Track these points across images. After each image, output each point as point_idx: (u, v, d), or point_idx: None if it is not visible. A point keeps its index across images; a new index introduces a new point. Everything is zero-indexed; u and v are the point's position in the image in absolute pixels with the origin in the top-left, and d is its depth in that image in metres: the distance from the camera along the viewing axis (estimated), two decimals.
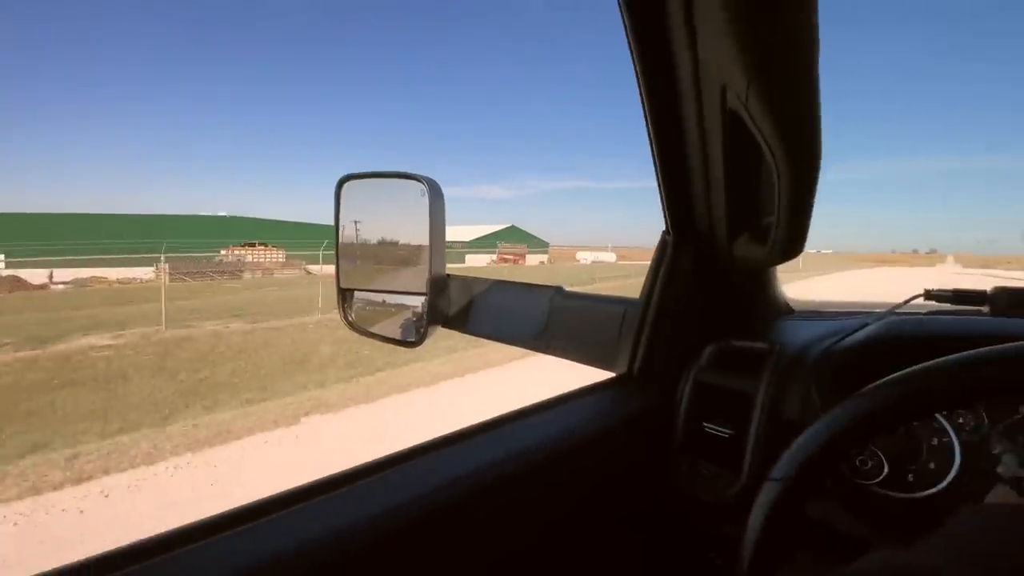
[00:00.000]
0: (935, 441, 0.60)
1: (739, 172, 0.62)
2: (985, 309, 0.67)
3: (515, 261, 35.61)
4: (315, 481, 0.47)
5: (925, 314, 0.75)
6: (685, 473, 0.71)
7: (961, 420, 0.60)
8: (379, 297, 1.05)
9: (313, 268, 22.63)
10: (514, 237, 49.71)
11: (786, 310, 0.94)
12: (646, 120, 0.62)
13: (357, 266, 1.03)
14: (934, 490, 0.59)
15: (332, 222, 0.95)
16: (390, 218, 1.03)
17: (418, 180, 0.84)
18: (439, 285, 0.91)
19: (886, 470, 0.61)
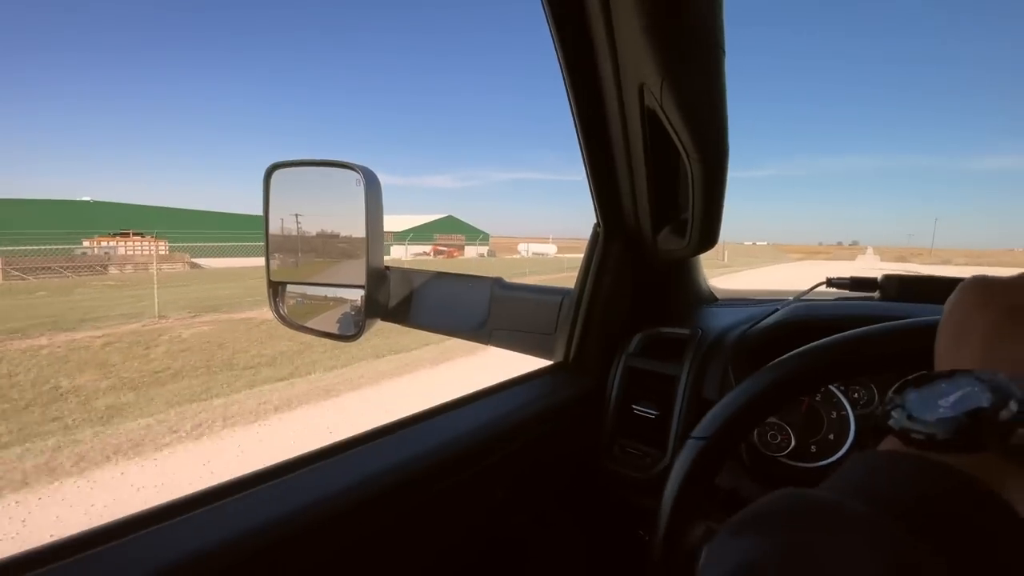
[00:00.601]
0: (834, 415, 0.68)
1: (659, 169, 0.66)
2: (876, 295, 0.76)
3: (451, 254, 33.46)
4: (247, 475, 0.47)
5: (826, 300, 0.84)
6: (616, 454, 0.75)
7: (856, 395, 0.69)
8: (314, 290, 1.03)
9: (205, 261, 20.54)
10: (451, 228, 47.76)
11: (710, 298, 1.01)
12: (574, 119, 0.65)
13: (289, 258, 1.00)
14: (833, 458, 0.67)
15: (254, 211, 0.92)
16: (324, 208, 1.01)
17: (353, 169, 0.83)
18: (377, 277, 0.90)
19: (793, 443, 0.68)
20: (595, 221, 0.79)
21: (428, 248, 33.44)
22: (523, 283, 0.91)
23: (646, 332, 0.81)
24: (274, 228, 0.96)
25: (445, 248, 35.12)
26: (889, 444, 0.25)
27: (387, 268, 0.97)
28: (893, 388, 0.26)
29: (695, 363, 0.74)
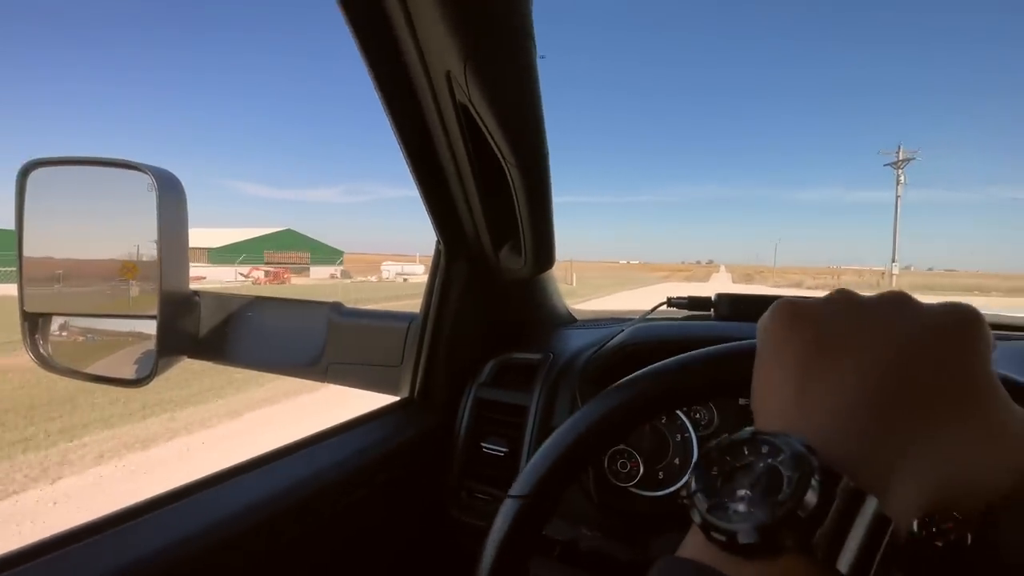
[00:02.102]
0: (679, 437, 0.70)
1: (488, 179, 0.64)
2: (711, 314, 0.83)
3: (275, 278, 25.32)
4: (78, 526, 0.44)
5: (665, 320, 0.88)
6: (464, 500, 0.70)
7: (698, 415, 0.71)
8: (90, 323, 0.84)
9: None
10: (290, 244, 40.80)
11: (567, 319, 1.01)
12: (388, 118, 0.58)
13: (53, 283, 0.81)
14: (678, 484, 0.67)
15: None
16: (106, 219, 0.84)
17: (141, 171, 0.68)
18: (178, 304, 0.76)
19: (641, 471, 0.68)
20: (437, 239, 0.74)
21: (245, 270, 26.00)
22: (365, 308, 0.84)
23: (499, 359, 0.78)
24: (32, 244, 0.77)
25: (270, 271, 27.70)
26: (690, 545, 0.22)
27: (196, 293, 0.83)
28: (694, 461, 0.23)
29: (545, 390, 0.72)
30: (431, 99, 0.56)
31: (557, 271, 0.90)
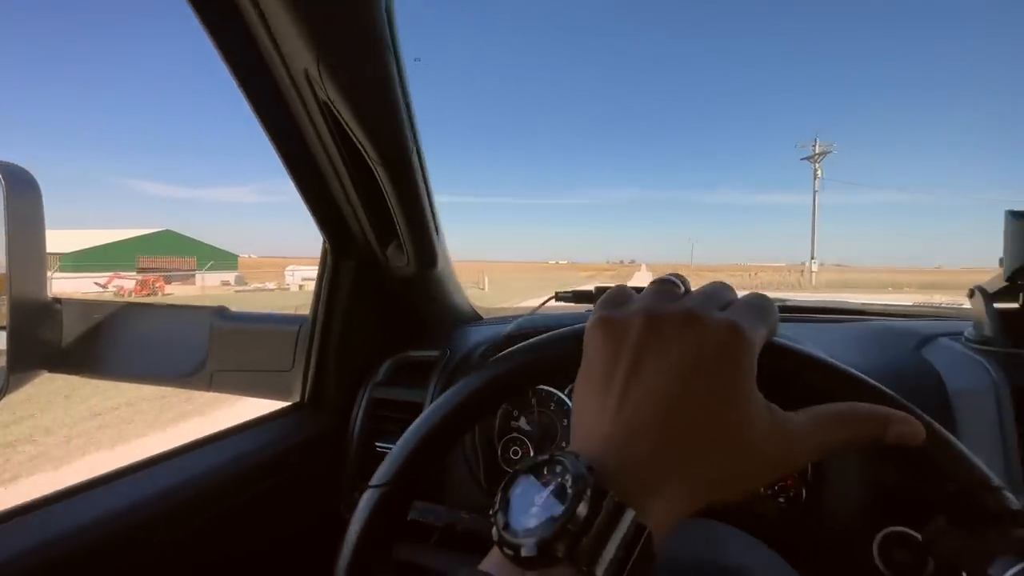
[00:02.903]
0: (565, 422, 0.76)
1: (363, 176, 0.63)
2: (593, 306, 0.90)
3: (143, 288, 20.39)
4: None
5: (553, 313, 0.92)
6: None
7: None
8: None
9: None
10: (169, 247, 34.95)
11: (472, 317, 1.03)
12: (261, 124, 0.57)
13: None
14: None
15: None
16: None
17: None
18: (33, 314, 0.70)
19: (532, 454, 0.74)
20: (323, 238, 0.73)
21: (103, 279, 21.67)
22: (252, 312, 0.83)
23: (396, 358, 0.80)
24: None
25: (138, 279, 22.74)
26: (491, 560, 0.24)
27: (57, 300, 0.77)
28: (503, 483, 0.24)
29: (440, 386, 0.74)
30: (296, 97, 0.56)
31: (470, 275, 0.93)
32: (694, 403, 0.25)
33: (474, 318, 1.04)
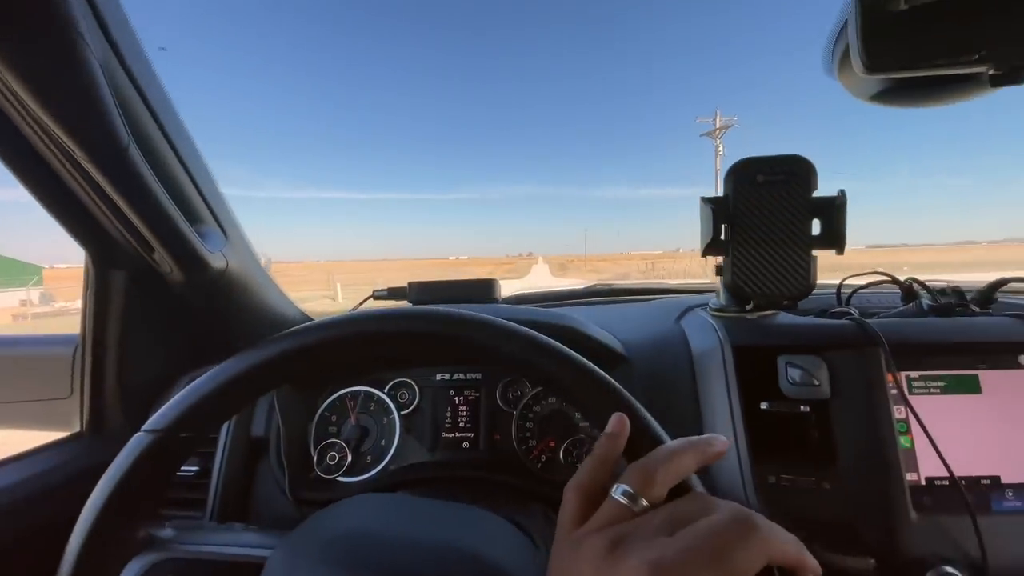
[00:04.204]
0: (384, 420, 0.79)
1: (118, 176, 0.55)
2: (407, 301, 0.92)
3: None
4: None
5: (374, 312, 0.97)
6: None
7: (400, 396, 0.81)
8: None
9: None
10: None
11: (300, 321, 0.97)
12: None
13: None
14: (383, 463, 0.76)
15: None
16: None
17: None
18: None
19: (349, 458, 0.75)
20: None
21: None
22: (18, 335, 0.75)
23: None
24: None
25: None
26: None
27: None
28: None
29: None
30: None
31: (320, 283, 0.89)
32: None
33: (303, 322, 1.01)
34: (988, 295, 0.72)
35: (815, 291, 0.64)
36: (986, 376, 0.60)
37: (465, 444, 0.79)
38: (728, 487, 0.61)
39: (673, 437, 0.36)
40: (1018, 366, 0.59)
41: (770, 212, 0.61)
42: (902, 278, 0.76)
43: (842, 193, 0.60)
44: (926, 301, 0.70)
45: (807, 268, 0.61)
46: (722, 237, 0.63)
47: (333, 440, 0.77)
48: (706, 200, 0.63)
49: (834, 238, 0.60)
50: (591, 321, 0.76)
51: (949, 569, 0.52)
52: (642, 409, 0.37)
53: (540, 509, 0.64)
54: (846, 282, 0.81)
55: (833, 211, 0.60)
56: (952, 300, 0.69)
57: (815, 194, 0.61)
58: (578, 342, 0.72)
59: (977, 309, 0.68)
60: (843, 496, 0.58)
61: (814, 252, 0.61)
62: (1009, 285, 0.72)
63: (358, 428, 0.78)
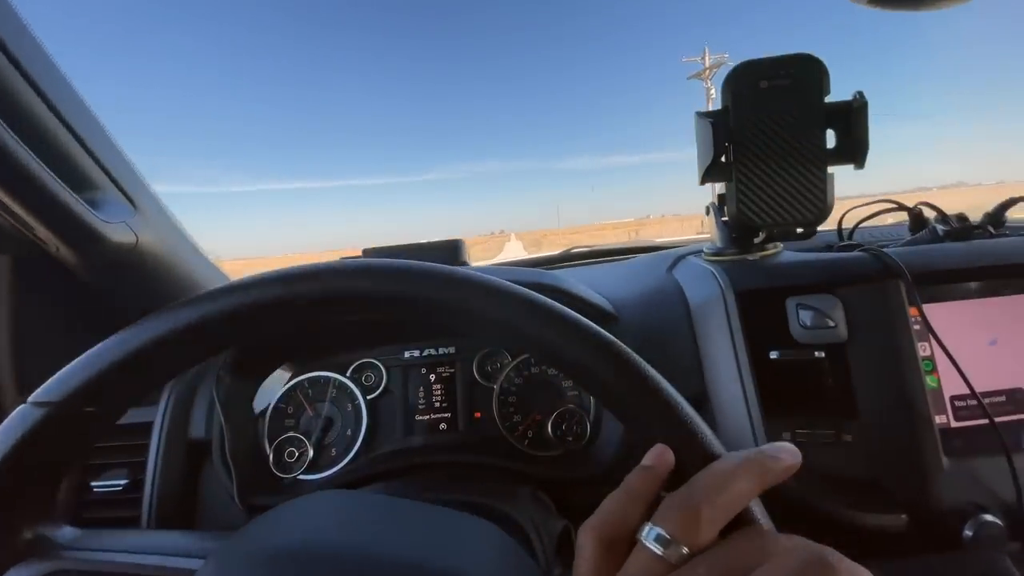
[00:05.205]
0: (349, 407, 0.71)
1: None
2: None
3: None
4: None
5: None
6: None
7: (365, 379, 0.73)
8: None
9: None
10: None
11: None
12: None
13: None
14: (352, 454, 0.68)
15: None
16: None
17: None
18: None
19: (311, 453, 0.68)
20: None
21: None
22: None
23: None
24: None
25: None
26: None
27: None
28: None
29: (175, 396, 0.65)
30: None
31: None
32: None
33: None
34: (998, 216, 0.67)
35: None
36: (1016, 301, 0.55)
37: (442, 426, 0.72)
38: (738, 447, 0.55)
39: None
40: None
41: (777, 124, 0.54)
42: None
43: (860, 95, 0.52)
44: (939, 227, 0.64)
45: (823, 187, 0.54)
46: (723, 159, 0.56)
47: (291, 435, 0.69)
48: (703, 115, 0.56)
49: (853, 149, 0.53)
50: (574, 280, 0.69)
51: (989, 518, 0.48)
52: (689, 409, 0.29)
53: (528, 492, 0.58)
54: (848, 215, 0.76)
55: (850, 117, 0.53)
56: (969, 223, 0.64)
57: (828, 99, 0.54)
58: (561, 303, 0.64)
59: (993, 231, 0.63)
60: (867, 448, 0.53)
61: (830, 169, 0.54)
62: (1019, 204, 0.67)
63: (319, 419, 0.70)
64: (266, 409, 0.70)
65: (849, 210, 0.75)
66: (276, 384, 0.72)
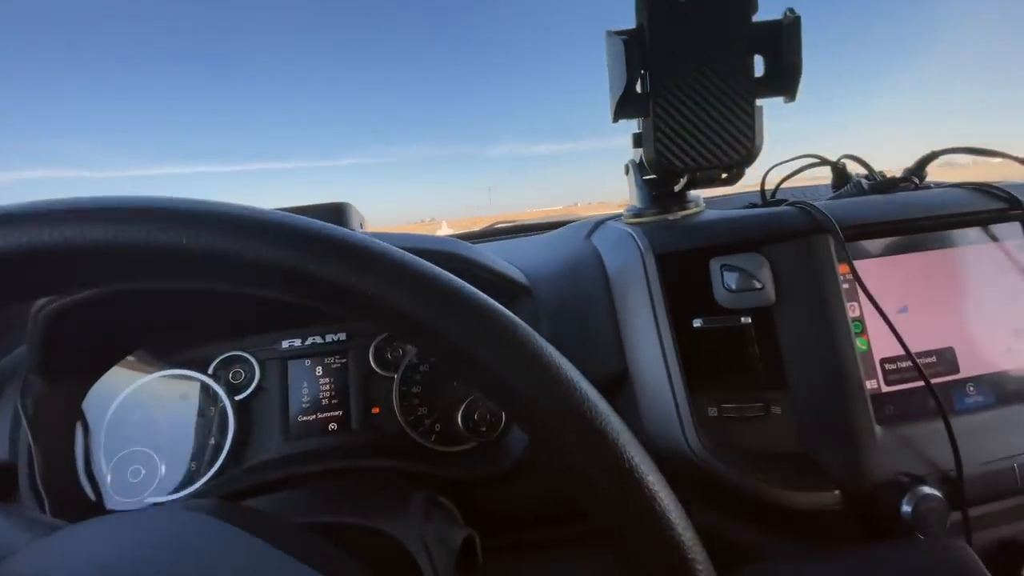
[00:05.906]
0: (212, 411, 0.60)
1: None
2: None
3: None
4: None
5: None
6: None
7: (231, 374, 0.62)
8: None
9: None
10: None
11: None
12: None
13: None
14: (214, 469, 0.58)
15: None
16: None
17: None
18: None
19: (162, 470, 0.57)
20: None
21: None
22: None
23: None
24: None
25: None
26: None
27: None
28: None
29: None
30: None
31: None
32: None
33: None
34: (920, 171, 0.65)
35: (733, 191, 0.52)
36: (947, 254, 0.52)
37: (332, 426, 0.62)
38: (662, 426, 0.50)
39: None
40: (983, 239, 0.51)
41: (697, 49, 0.47)
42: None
43: (791, 12, 0.46)
44: (864, 181, 0.61)
45: (750, 122, 0.48)
46: (638, 89, 0.49)
47: (136, 449, 0.57)
48: (614, 34, 0.48)
49: (784, 77, 0.47)
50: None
51: (927, 490, 0.44)
52: (655, 483, 0.19)
53: (425, 501, 0.49)
54: (770, 176, 0.72)
55: (780, 39, 0.46)
56: (894, 177, 0.60)
57: (755, 19, 0.47)
58: (466, 273, 0.56)
59: (918, 182, 0.61)
60: (796, 421, 0.49)
61: (758, 102, 0.48)
62: (939, 159, 0.66)
63: (171, 427, 0.58)
64: (102, 419, 0.58)
65: (771, 168, 0.71)
66: (114, 387, 0.59)
